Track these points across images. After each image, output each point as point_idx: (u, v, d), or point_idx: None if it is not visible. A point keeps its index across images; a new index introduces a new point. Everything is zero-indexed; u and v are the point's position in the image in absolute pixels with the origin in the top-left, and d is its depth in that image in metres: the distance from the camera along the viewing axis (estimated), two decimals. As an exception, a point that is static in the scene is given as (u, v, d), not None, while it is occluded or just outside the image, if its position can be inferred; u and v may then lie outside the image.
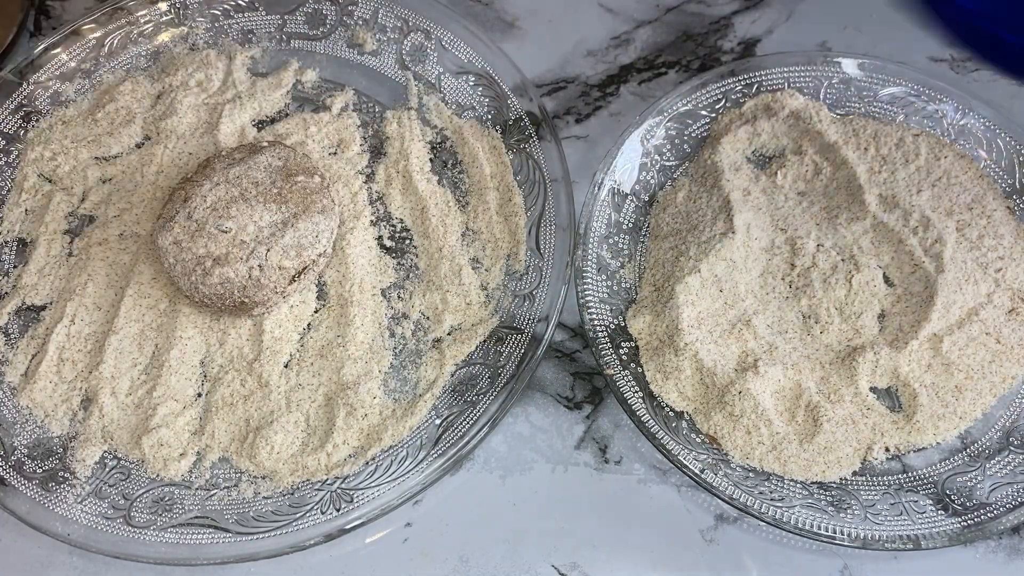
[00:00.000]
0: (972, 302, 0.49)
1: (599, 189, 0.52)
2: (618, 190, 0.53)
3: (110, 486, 0.47)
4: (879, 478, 0.46)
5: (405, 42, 0.57)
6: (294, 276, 0.49)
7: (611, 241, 0.52)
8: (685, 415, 0.48)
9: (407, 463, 0.47)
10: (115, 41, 0.60)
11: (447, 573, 0.47)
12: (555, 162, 0.53)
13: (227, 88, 0.58)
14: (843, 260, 0.50)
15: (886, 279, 0.51)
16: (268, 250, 0.48)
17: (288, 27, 0.60)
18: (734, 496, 0.45)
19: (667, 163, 0.54)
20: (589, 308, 0.49)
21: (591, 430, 0.50)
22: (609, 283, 0.51)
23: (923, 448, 0.47)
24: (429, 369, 0.50)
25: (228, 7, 0.61)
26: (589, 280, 0.50)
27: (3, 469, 0.48)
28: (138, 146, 0.57)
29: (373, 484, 0.46)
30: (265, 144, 0.52)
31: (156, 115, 0.57)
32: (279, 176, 0.50)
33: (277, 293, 0.49)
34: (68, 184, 0.56)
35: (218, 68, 0.59)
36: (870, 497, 0.46)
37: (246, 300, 0.49)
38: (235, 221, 0.48)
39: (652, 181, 0.54)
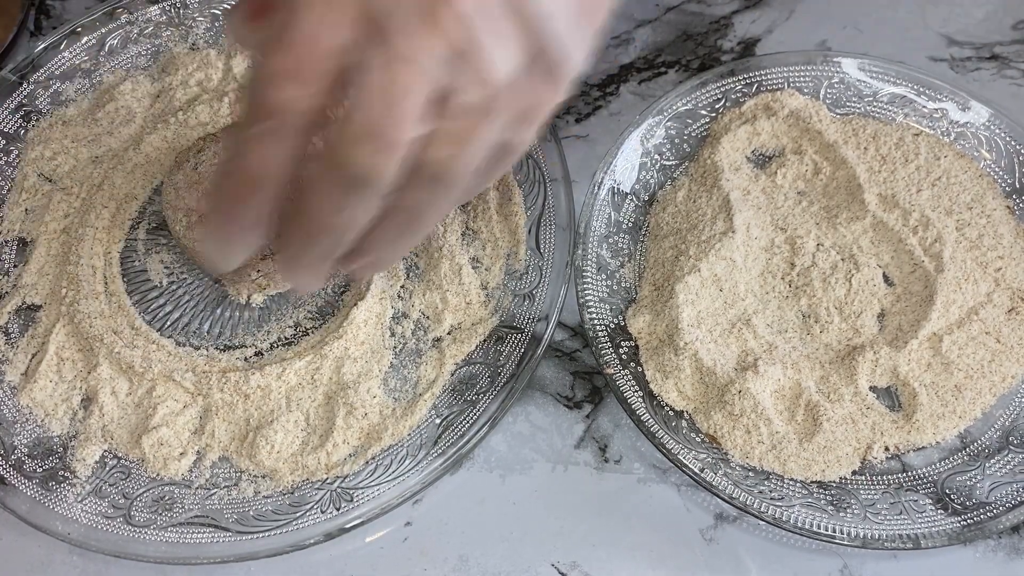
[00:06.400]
0: (972, 301, 0.49)
1: (599, 189, 0.52)
2: (618, 189, 0.53)
3: (110, 485, 0.47)
4: (879, 477, 0.46)
5: (405, 42, 0.57)
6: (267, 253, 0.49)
7: (611, 240, 0.52)
8: (685, 414, 0.48)
9: (407, 462, 0.47)
10: (115, 41, 0.60)
11: (447, 572, 0.47)
12: (555, 162, 0.53)
13: (227, 87, 0.58)
14: (843, 259, 0.50)
15: (886, 278, 0.51)
16: None
17: (288, 27, 0.60)
18: (734, 495, 0.45)
19: (667, 163, 0.54)
20: (589, 307, 0.49)
21: (591, 429, 0.50)
22: (609, 282, 0.51)
23: (923, 447, 0.47)
24: (429, 368, 0.50)
25: (228, 7, 0.61)
26: (589, 279, 0.50)
27: (3, 468, 0.48)
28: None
29: (373, 483, 0.46)
30: None
31: (155, 114, 0.57)
32: None
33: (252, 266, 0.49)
34: (68, 184, 0.56)
35: (218, 68, 0.59)
36: (870, 496, 0.46)
37: None
38: None
39: (652, 181, 0.54)
